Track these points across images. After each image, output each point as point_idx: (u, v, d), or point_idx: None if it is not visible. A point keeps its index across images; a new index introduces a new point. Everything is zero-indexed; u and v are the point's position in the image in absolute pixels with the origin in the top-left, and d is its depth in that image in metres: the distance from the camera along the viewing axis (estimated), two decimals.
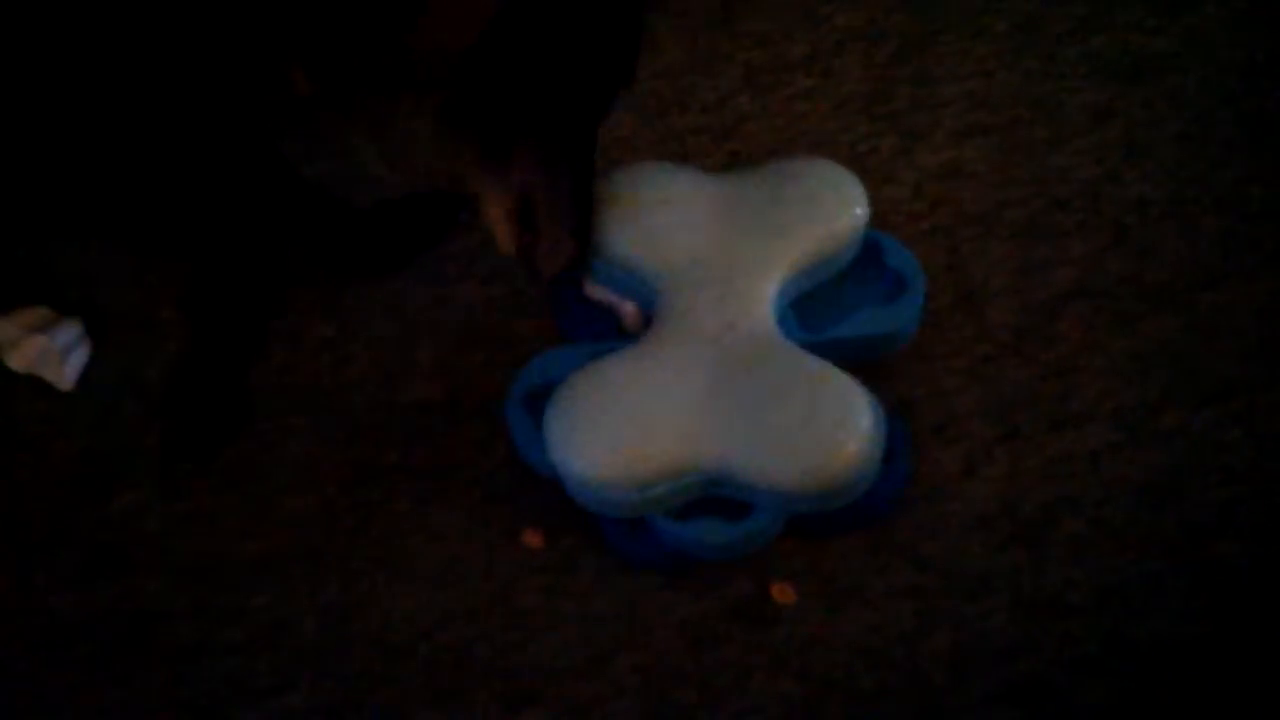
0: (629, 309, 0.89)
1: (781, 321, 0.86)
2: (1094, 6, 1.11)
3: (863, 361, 0.88)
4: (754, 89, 1.08)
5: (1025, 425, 0.89)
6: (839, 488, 0.80)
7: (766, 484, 0.79)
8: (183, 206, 0.88)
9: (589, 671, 0.82)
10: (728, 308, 0.84)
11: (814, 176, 0.90)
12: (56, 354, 0.93)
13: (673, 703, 0.81)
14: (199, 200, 0.88)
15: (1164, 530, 0.85)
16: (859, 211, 0.88)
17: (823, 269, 0.88)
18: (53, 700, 0.82)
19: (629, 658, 0.82)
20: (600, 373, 0.83)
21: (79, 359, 0.95)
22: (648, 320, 0.87)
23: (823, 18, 1.12)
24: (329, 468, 0.90)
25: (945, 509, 0.86)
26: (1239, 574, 0.83)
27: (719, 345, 0.83)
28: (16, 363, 0.94)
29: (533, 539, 0.86)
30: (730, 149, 1.04)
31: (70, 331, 0.94)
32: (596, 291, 0.90)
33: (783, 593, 0.83)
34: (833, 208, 0.88)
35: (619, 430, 0.81)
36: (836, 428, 0.79)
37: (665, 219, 0.88)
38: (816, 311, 0.88)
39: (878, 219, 0.91)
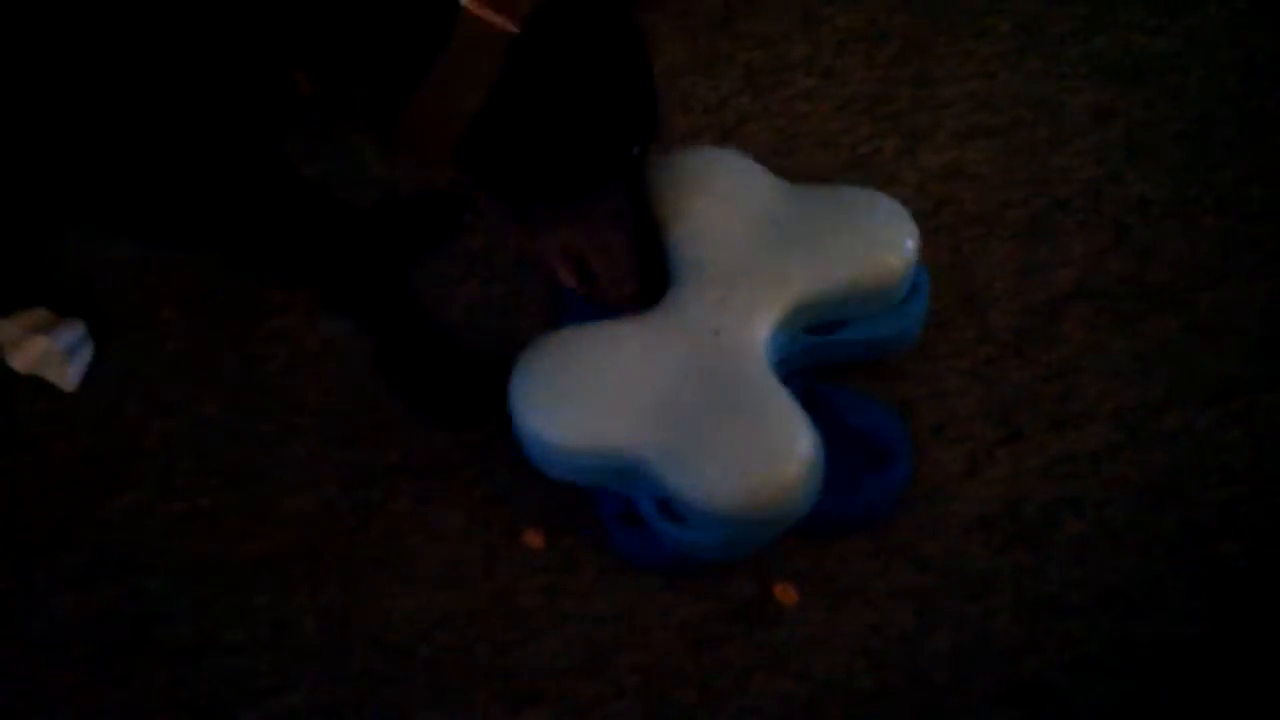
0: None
1: (794, 340, 0.85)
2: (1095, 7, 1.11)
3: (866, 362, 0.89)
4: (755, 90, 1.08)
5: (1027, 426, 0.89)
6: (746, 512, 0.78)
7: (678, 486, 0.78)
8: (188, 196, 0.88)
9: (590, 671, 0.82)
10: (723, 313, 0.83)
11: (865, 210, 0.87)
12: (59, 355, 0.93)
13: (673, 703, 0.81)
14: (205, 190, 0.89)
15: (1165, 530, 0.85)
16: (899, 253, 0.85)
17: (854, 302, 0.86)
18: (54, 700, 0.83)
19: (629, 658, 0.82)
20: (575, 337, 0.83)
21: (82, 360, 0.95)
22: None
23: (824, 19, 1.12)
24: (329, 468, 0.90)
25: (947, 509, 0.86)
26: (1240, 574, 0.83)
27: (697, 345, 0.82)
28: (19, 364, 0.94)
29: (533, 539, 0.86)
30: None
31: (73, 332, 0.94)
32: None
33: (785, 593, 0.83)
34: (873, 244, 0.85)
35: (566, 393, 0.81)
36: (764, 461, 0.78)
37: (708, 209, 0.86)
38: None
39: None
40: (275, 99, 0.78)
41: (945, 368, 0.92)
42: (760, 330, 0.83)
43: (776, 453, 0.78)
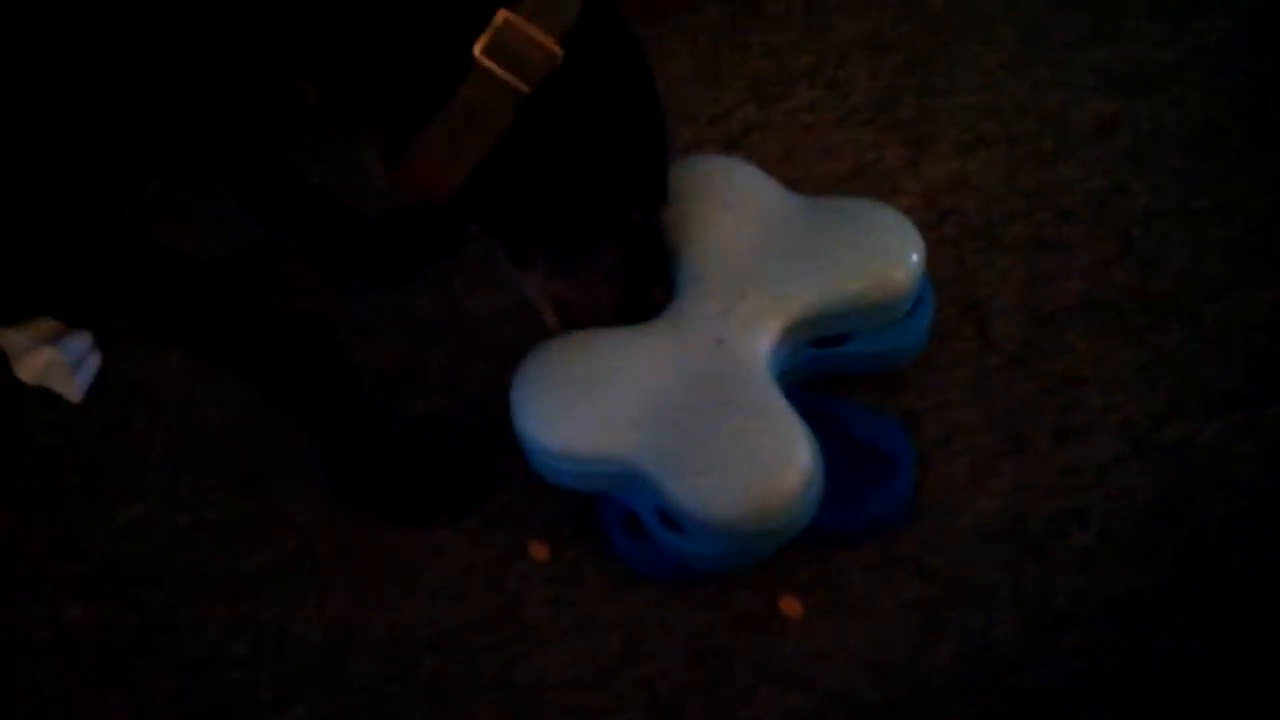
0: None
1: (797, 353, 0.85)
2: (1101, 18, 1.11)
3: (871, 374, 0.89)
4: (760, 100, 1.08)
5: (1031, 437, 0.89)
6: (744, 523, 0.77)
7: (677, 495, 0.78)
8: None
9: (594, 684, 0.82)
10: (727, 323, 0.83)
11: (871, 223, 0.87)
12: (66, 366, 0.93)
13: (678, 715, 0.80)
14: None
15: (1171, 542, 0.84)
16: (905, 268, 0.85)
17: (858, 315, 0.86)
18: (59, 711, 0.83)
19: (634, 670, 0.82)
20: (579, 342, 0.83)
21: (88, 371, 0.95)
22: None
23: (829, 29, 1.12)
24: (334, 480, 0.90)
25: (952, 521, 0.86)
26: (1247, 586, 0.82)
27: (700, 355, 0.82)
28: (26, 374, 0.95)
29: (538, 551, 0.86)
30: None
31: (80, 343, 0.95)
32: None
33: (790, 605, 0.83)
34: (879, 258, 0.85)
35: (567, 400, 0.81)
36: (763, 472, 0.77)
37: (714, 218, 0.86)
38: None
39: None
40: (281, 105, 0.78)
41: (949, 379, 0.92)
42: (763, 342, 0.83)
43: (776, 464, 0.78)
